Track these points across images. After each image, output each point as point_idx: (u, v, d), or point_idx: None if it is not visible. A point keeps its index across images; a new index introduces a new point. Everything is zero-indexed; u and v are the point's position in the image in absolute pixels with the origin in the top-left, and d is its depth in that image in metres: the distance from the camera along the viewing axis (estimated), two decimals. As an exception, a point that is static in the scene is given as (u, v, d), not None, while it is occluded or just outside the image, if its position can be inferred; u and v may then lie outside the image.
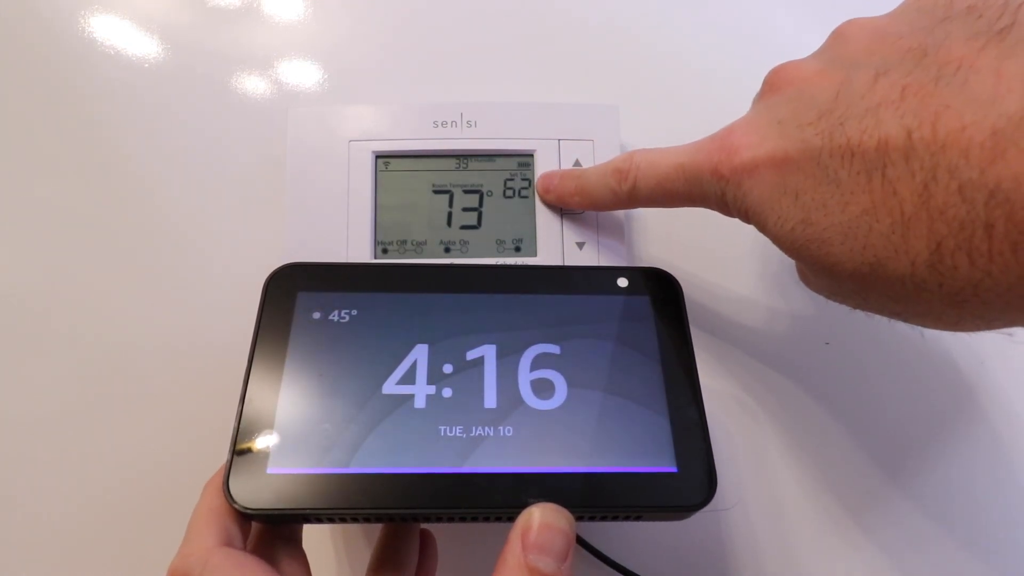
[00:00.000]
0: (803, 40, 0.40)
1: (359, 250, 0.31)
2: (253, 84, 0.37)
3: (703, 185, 0.24)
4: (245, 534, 0.22)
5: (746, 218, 0.24)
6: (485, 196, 0.32)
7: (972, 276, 0.17)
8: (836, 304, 0.24)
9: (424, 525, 0.28)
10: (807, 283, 0.25)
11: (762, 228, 0.23)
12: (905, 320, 0.21)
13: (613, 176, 0.28)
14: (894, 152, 0.18)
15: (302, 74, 0.37)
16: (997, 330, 0.19)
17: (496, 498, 0.21)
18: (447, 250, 0.32)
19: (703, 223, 0.28)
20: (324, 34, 0.39)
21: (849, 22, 0.23)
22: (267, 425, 0.22)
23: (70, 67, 0.37)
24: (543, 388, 0.24)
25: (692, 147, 0.25)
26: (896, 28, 0.21)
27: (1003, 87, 0.16)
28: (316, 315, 0.25)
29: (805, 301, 0.26)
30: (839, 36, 0.23)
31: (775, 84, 0.24)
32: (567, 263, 0.31)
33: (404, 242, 0.32)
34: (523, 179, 0.33)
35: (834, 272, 0.21)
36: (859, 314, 0.23)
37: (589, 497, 0.22)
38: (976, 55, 0.17)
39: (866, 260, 0.19)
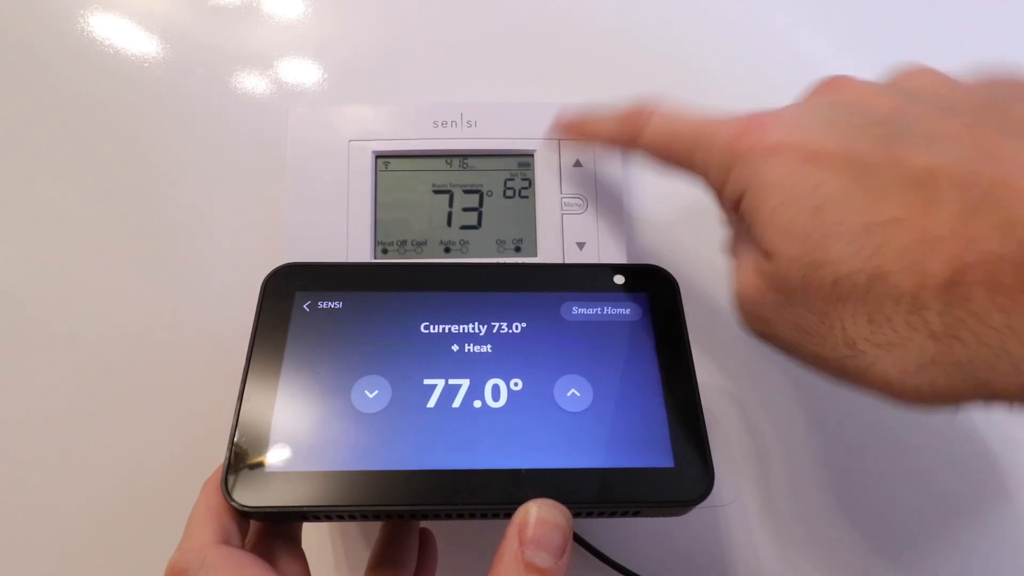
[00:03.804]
0: (803, 41, 0.40)
1: (359, 250, 0.31)
2: (253, 84, 0.37)
3: (710, 151, 0.23)
4: (243, 532, 0.22)
5: (738, 197, 0.22)
6: (485, 196, 0.32)
7: (984, 308, 0.17)
8: None
9: (423, 523, 0.28)
10: (747, 318, 0.23)
11: (753, 210, 0.21)
12: (843, 360, 0.20)
13: (629, 109, 0.27)
14: (942, 177, 0.18)
15: (302, 74, 0.38)
16: (956, 406, 0.18)
17: (493, 494, 0.22)
18: (447, 250, 0.32)
19: (703, 224, 0.28)
20: (324, 34, 0.39)
21: (922, 69, 0.23)
22: (265, 424, 0.22)
23: (70, 66, 0.37)
24: (542, 385, 0.24)
25: (716, 115, 0.24)
26: (965, 82, 0.21)
27: None
28: (314, 315, 0.25)
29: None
30: (908, 75, 0.23)
31: (832, 86, 0.23)
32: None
33: (404, 242, 0.32)
34: (523, 179, 0.33)
35: (820, 272, 0.19)
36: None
37: (586, 493, 0.22)
38: None
39: (868, 267, 0.18)
